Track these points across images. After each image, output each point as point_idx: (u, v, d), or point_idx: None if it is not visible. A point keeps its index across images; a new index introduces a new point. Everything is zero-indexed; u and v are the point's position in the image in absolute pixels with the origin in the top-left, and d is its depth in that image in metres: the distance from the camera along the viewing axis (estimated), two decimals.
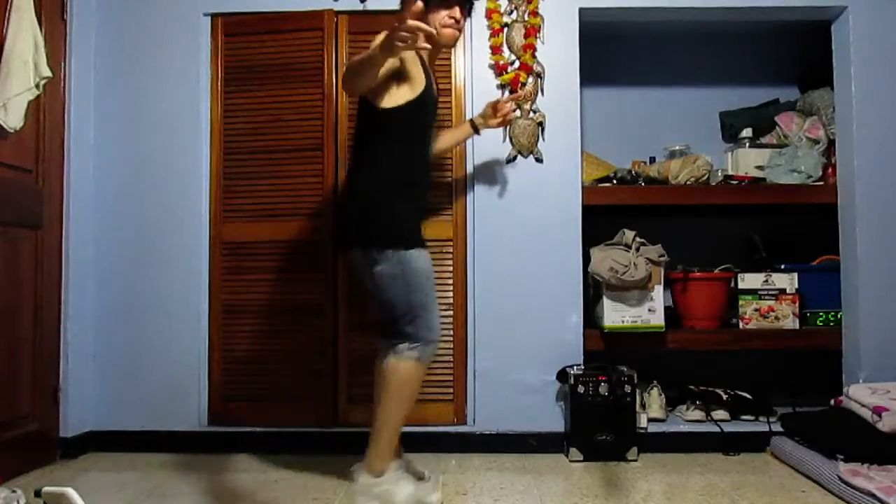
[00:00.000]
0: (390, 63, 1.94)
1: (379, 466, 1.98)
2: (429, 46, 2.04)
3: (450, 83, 2.87)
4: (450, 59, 2.88)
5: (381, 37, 1.83)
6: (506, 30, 2.88)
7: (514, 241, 2.83)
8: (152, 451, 2.77)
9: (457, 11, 2.18)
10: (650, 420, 2.80)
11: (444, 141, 2.58)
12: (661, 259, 2.81)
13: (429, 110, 2.20)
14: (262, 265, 2.85)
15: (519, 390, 2.79)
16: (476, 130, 2.60)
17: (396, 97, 2.07)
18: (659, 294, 2.80)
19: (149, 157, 2.89)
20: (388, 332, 2.06)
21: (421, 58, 2.16)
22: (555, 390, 2.80)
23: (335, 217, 2.78)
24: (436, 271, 2.75)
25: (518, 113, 2.86)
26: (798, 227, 3.23)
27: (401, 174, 2.10)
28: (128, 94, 2.91)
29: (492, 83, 2.87)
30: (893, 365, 2.73)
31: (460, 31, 2.23)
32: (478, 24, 2.88)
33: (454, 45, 2.33)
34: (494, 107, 2.53)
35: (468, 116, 2.86)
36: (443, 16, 2.16)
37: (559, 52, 2.88)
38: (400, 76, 2.06)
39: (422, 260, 2.07)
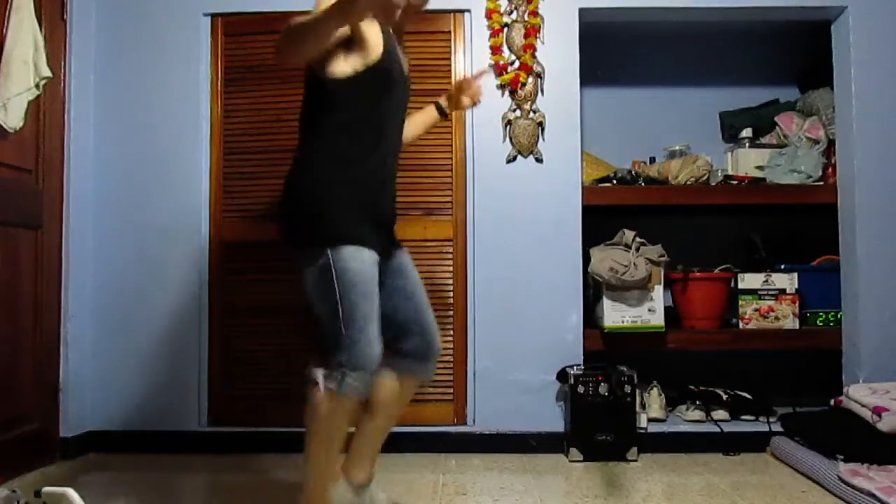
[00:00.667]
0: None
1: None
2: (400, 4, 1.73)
3: (449, 83, 2.86)
4: (449, 59, 2.88)
5: None
6: (506, 30, 2.88)
7: (514, 241, 2.83)
8: (152, 451, 2.77)
9: None
10: (650, 420, 2.80)
11: (409, 128, 2.07)
12: (661, 259, 2.81)
13: (389, 83, 1.79)
14: (262, 265, 2.85)
15: (519, 390, 2.79)
16: (442, 113, 2.17)
17: (344, 65, 1.72)
18: (659, 294, 2.80)
19: (149, 157, 2.89)
20: (318, 352, 1.70)
21: (380, 23, 1.77)
22: (555, 390, 2.80)
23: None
24: (436, 271, 2.79)
25: (518, 114, 2.86)
26: (798, 227, 3.23)
27: (344, 156, 1.74)
28: (128, 94, 2.91)
29: (492, 83, 2.87)
30: (893, 365, 2.72)
31: None
32: (478, 24, 2.88)
33: (420, 7, 1.93)
34: (459, 85, 2.13)
35: (468, 117, 2.86)
36: None
37: (559, 52, 2.88)
38: (350, 40, 1.70)
39: (355, 262, 1.66)
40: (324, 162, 1.75)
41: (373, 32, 1.73)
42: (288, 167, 1.85)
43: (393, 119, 1.84)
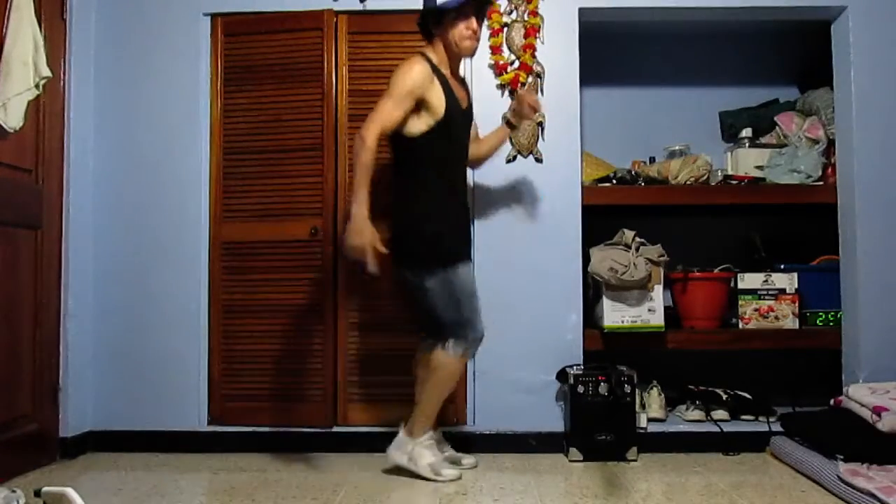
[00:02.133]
0: (413, 92, 2.25)
1: (417, 432, 2.38)
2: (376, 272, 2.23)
3: None
4: None
5: (409, 80, 2.24)
6: (506, 30, 2.88)
7: (514, 240, 2.83)
8: (152, 451, 2.77)
9: (473, 22, 2.33)
10: (650, 420, 2.80)
11: (483, 147, 2.64)
12: (661, 259, 2.81)
13: (455, 129, 2.36)
14: (262, 265, 2.85)
15: (519, 390, 2.79)
16: (511, 126, 2.61)
17: (419, 124, 2.29)
18: (659, 294, 2.80)
19: (149, 156, 2.89)
20: (435, 332, 2.35)
21: (440, 74, 2.32)
22: (554, 390, 2.80)
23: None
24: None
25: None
26: (798, 227, 3.23)
27: (435, 196, 2.34)
28: (128, 95, 2.91)
29: (492, 83, 2.87)
30: (893, 365, 2.72)
31: (478, 40, 2.38)
32: None
33: (473, 54, 2.48)
34: (519, 99, 2.52)
35: None
36: (461, 28, 2.31)
37: (559, 52, 2.88)
38: (420, 104, 2.27)
39: (464, 275, 2.34)
40: (425, 201, 2.34)
41: (435, 95, 2.29)
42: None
43: (461, 153, 2.46)
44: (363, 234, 2.18)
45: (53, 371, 2.67)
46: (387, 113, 2.23)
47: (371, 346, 2.82)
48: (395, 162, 2.41)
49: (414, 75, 2.26)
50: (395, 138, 2.32)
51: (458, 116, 2.37)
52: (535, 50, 2.87)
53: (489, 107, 2.84)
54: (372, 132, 2.20)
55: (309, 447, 2.76)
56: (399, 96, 2.24)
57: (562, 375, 2.75)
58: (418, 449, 2.37)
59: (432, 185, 2.34)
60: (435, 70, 2.31)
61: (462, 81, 2.51)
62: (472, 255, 2.52)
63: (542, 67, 2.87)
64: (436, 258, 2.30)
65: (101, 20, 2.91)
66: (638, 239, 2.84)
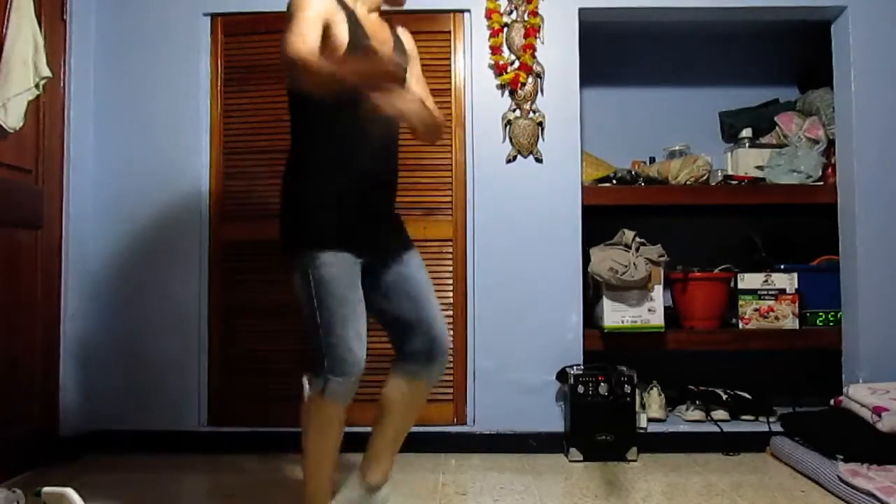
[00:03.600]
0: (321, 14, 1.67)
1: None
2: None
3: (449, 83, 2.87)
4: (449, 59, 2.88)
5: (354, 65, 1.62)
6: (506, 30, 2.88)
7: (514, 241, 2.83)
8: (152, 451, 2.77)
9: None
10: (650, 420, 2.80)
11: None
12: (661, 259, 2.81)
13: None
14: (262, 265, 2.84)
15: (519, 390, 2.79)
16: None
17: None
18: (659, 294, 2.80)
19: (149, 156, 2.89)
20: (308, 357, 1.77)
21: (346, 7, 1.77)
22: (554, 390, 2.80)
23: None
24: (436, 271, 2.78)
25: (517, 114, 2.86)
26: (798, 227, 3.22)
27: (322, 160, 1.76)
28: (128, 94, 2.90)
29: (492, 83, 2.87)
30: (893, 365, 2.72)
31: None
32: (478, 24, 2.88)
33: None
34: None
35: (468, 116, 2.86)
36: None
37: (559, 52, 2.88)
38: (325, 36, 1.69)
39: (332, 267, 1.69)
40: (309, 168, 1.77)
41: (339, 28, 1.73)
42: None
43: (377, 119, 1.69)
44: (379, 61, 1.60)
45: (53, 371, 2.67)
46: (297, 32, 1.61)
47: (372, 346, 2.80)
48: (291, 122, 1.84)
49: None
50: (290, 90, 1.80)
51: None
52: (535, 50, 2.87)
53: (489, 107, 2.85)
54: (293, 47, 1.59)
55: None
56: (305, 18, 1.64)
57: (562, 375, 2.75)
58: None
59: (325, 149, 1.76)
60: (339, 1, 1.76)
61: (391, 27, 1.95)
62: (381, 256, 1.84)
63: (542, 67, 2.87)
64: (300, 238, 1.74)
65: (100, 20, 2.90)
66: (638, 239, 2.84)
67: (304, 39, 1.60)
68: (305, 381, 1.75)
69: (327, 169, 1.77)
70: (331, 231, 1.72)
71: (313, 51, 1.60)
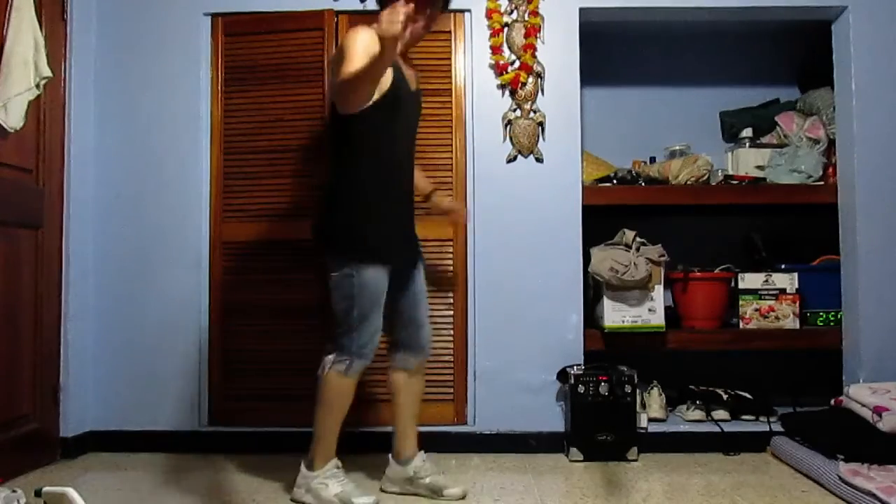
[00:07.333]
0: (368, 50, 1.89)
1: (317, 464, 2.19)
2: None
3: (450, 83, 2.87)
4: (450, 58, 2.88)
5: (362, 40, 1.93)
6: (506, 30, 2.88)
7: (514, 240, 2.83)
8: (152, 451, 2.76)
9: (405, 6, 1.89)
10: (650, 420, 2.80)
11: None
12: (662, 259, 2.81)
13: (402, 105, 2.12)
14: (262, 265, 2.85)
15: (519, 390, 2.79)
16: (426, 199, 2.45)
17: None
18: (659, 294, 2.80)
19: (149, 156, 2.89)
20: (331, 339, 2.16)
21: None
22: (555, 390, 2.80)
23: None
24: (436, 272, 2.79)
25: (518, 113, 2.86)
26: (798, 227, 3.22)
27: (371, 184, 2.10)
28: (128, 94, 2.91)
29: (492, 83, 2.87)
30: (894, 365, 2.73)
31: (403, 27, 1.90)
32: (478, 24, 2.88)
33: (393, 42, 1.92)
34: (452, 210, 2.51)
35: (468, 116, 2.86)
36: (389, 7, 1.90)
37: (559, 52, 2.88)
38: None
39: (372, 277, 2.08)
40: (365, 188, 2.09)
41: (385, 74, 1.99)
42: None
43: (406, 137, 2.20)
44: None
45: (53, 371, 2.67)
46: (350, 62, 1.91)
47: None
48: (334, 150, 2.17)
49: (365, 36, 1.96)
50: (335, 121, 2.10)
51: (406, 94, 2.13)
52: (535, 50, 2.86)
53: (489, 107, 2.85)
54: (346, 71, 1.90)
55: (308, 447, 2.75)
56: (357, 56, 1.91)
57: (562, 375, 2.75)
58: (318, 482, 2.17)
59: (371, 175, 2.10)
60: None
61: (412, 65, 2.27)
62: (404, 266, 2.21)
63: (543, 67, 2.87)
64: (351, 249, 2.09)
65: (101, 20, 2.91)
66: (638, 239, 2.84)
67: (354, 66, 1.89)
68: (329, 360, 2.12)
69: (378, 190, 2.11)
70: (377, 250, 2.09)
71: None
